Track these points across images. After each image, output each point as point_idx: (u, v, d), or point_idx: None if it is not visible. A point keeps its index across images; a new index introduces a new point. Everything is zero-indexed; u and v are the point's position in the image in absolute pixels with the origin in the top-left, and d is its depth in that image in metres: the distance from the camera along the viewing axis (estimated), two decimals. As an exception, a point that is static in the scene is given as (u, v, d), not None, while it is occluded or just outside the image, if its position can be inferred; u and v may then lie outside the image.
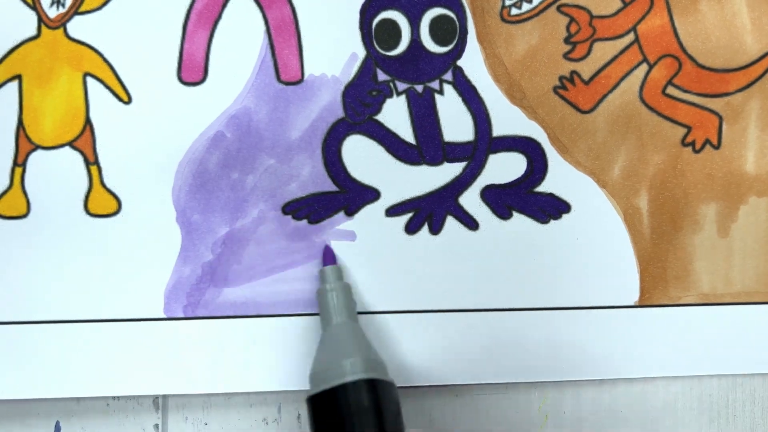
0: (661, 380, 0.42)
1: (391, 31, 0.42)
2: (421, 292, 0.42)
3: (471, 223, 0.42)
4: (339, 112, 0.42)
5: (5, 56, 0.42)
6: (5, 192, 0.42)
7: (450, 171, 0.42)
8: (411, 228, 0.42)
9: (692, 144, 0.42)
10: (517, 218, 0.42)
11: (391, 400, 0.36)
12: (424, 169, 0.42)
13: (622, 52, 0.42)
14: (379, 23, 0.42)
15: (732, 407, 0.42)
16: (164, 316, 0.41)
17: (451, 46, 0.42)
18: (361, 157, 0.42)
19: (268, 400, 0.42)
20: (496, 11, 0.42)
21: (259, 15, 0.42)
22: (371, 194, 0.42)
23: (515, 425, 0.42)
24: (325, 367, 0.36)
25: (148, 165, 0.42)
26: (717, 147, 0.42)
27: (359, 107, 0.42)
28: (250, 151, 0.42)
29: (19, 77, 0.42)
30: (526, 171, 0.42)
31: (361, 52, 0.42)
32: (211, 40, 0.42)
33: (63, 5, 0.42)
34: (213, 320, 0.41)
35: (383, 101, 0.42)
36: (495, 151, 0.42)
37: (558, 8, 0.42)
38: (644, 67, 0.42)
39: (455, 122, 0.42)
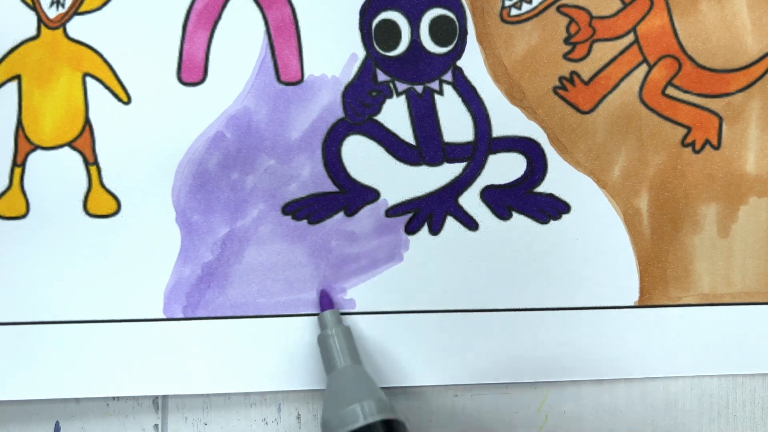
0: (661, 380, 0.42)
1: (391, 32, 0.42)
2: (421, 293, 0.42)
3: (471, 224, 0.42)
4: (339, 113, 0.42)
5: (5, 56, 0.42)
6: (4, 192, 0.42)
7: (450, 171, 0.42)
8: (411, 228, 0.42)
9: (692, 144, 0.42)
10: (517, 219, 0.42)
11: None
12: (423, 170, 0.42)
13: (621, 52, 0.42)
14: (378, 24, 0.42)
15: (732, 407, 0.42)
16: (164, 316, 0.41)
17: (450, 47, 0.42)
18: (361, 157, 0.42)
19: (268, 400, 0.42)
20: (496, 12, 0.42)
21: (259, 15, 0.42)
22: (371, 194, 0.42)
23: (515, 425, 0.42)
24: (339, 412, 0.36)
25: (148, 165, 0.42)
26: (717, 147, 0.42)
27: (359, 108, 0.42)
28: (249, 152, 0.42)
29: (18, 77, 0.42)
30: (525, 171, 0.42)
31: (361, 53, 0.42)
32: (211, 40, 0.42)
33: (63, 5, 0.42)
34: (213, 321, 0.41)
35: (383, 102, 0.42)
36: (495, 152, 0.42)
37: (558, 9, 0.42)
38: (644, 67, 0.42)
39: (455, 123, 0.42)
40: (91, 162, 0.42)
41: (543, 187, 0.42)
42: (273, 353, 0.41)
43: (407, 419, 0.42)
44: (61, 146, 0.42)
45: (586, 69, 0.42)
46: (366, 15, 0.42)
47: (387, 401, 0.37)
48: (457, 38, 0.42)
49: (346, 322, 0.41)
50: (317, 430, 0.42)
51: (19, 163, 0.42)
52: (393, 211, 0.42)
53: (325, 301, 0.41)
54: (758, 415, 0.42)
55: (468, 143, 0.42)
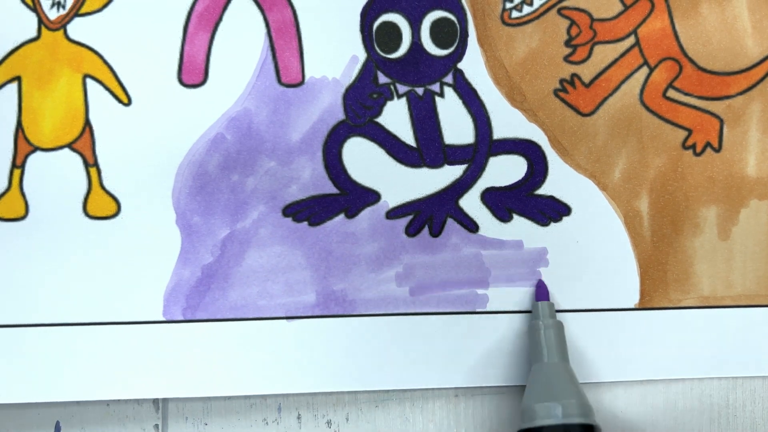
0: (662, 381, 0.42)
1: (391, 34, 0.42)
2: (423, 294, 0.42)
3: (471, 226, 0.42)
4: (339, 115, 0.42)
5: (5, 57, 0.42)
6: (4, 194, 0.41)
7: (450, 173, 0.42)
8: (411, 230, 0.42)
9: (693, 147, 0.42)
10: (518, 221, 0.42)
11: None
12: (424, 172, 0.42)
13: (622, 55, 0.42)
14: (379, 26, 0.42)
15: (732, 407, 0.42)
16: (164, 318, 0.41)
17: (451, 49, 0.42)
18: (362, 159, 0.42)
19: (268, 401, 0.42)
20: (497, 14, 0.42)
21: (260, 17, 0.42)
22: (371, 196, 0.42)
23: (515, 426, 0.42)
24: (541, 405, 0.37)
25: (148, 167, 0.42)
26: (718, 150, 0.42)
27: (360, 110, 0.42)
28: (250, 154, 0.42)
29: (18, 78, 0.42)
30: (526, 174, 0.42)
31: (362, 55, 0.42)
32: (211, 42, 0.42)
33: (63, 7, 0.42)
34: (213, 323, 0.41)
35: (384, 104, 0.42)
36: (495, 154, 0.42)
37: (558, 11, 0.42)
38: (645, 70, 0.42)
39: (456, 125, 0.42)
40: (91, 163, 0.42)
41: (543, 190, 0.42)
42: (273, 356, 0.41)
43: (407, 419, 0.42)
44: (60, 147, 0.42)
45: (586, 71, 0.42)
46: (367, 17, 0.42)
47: (588, 405, 0.38)
48: (457, 40, 0.42)
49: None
50: (317, 430, 0.42)
51: (18, 164, 0.42)
52: (393, 213, 0.42)
53: (542, 292, 0.41)
54: (758, 415, 0.42)
55: (468, 145, 0.42)
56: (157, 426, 0.42)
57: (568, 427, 0.37)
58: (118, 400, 0.42)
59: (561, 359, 0.39)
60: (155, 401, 0.42)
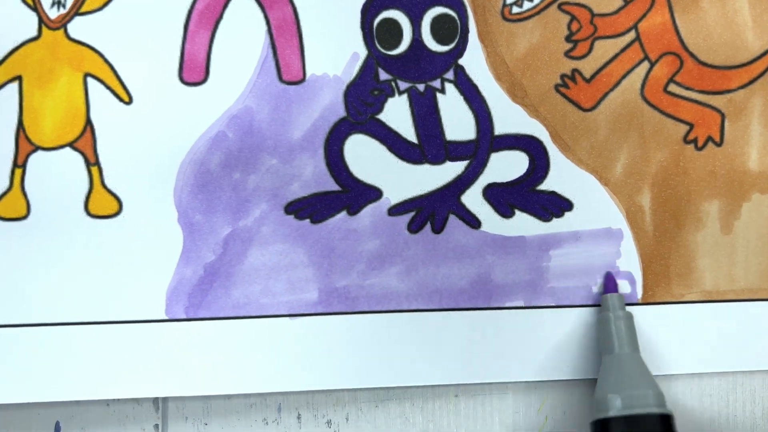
0: (661, 380, 0.42)
1: (392, 31, 0.42)
2: (424, 291, 0.42)
3: (473, 222, 0.42)
4: (341, 112, 0.42)
5: (5, 57, 0.42)
6: (5, 193, 0.41)
7: (452, 170, 0.42)
8: (413, 227, 0.42)
9: (694, 141, 0.42)
10: (520, 216, 0.42)
11: None
12: (426, 168, 0.42)
13: (623, 50, 0.42)
14: (380, 23, 0.42)
15: (732, 407, 0.42)
16: (166, 317, 0.41)
17: (452, 45, 0.42)
18: (363, 156, 0.42)
19: (268, 401, 0.42)
20: (497, 10, 0.42)
21: (261, 15, 0.42)
22: (373, 193, 0.42)
23: (515, 425, 0.42)
24: (615, 395, 0.38)
25: (150, 165, 0.42)
26: (719, 144, 0.42)
27: (361, 107, 0.42)
28: (251, 151, 0.42)
29: (19, 78, 0.42)
30: (528, 169, 0.42)
31: (363, 52, 0.42)
32: (212, 40, 0.42)
33: (64, 6, 0.42)
34: (215, 321, 0.41)
35: (385, 100, 0.42)
36: (497, 150, 0.42)
37: (559, 6, 0.42)
38: (645, 64, 0.42)
39: (457, 121, 0.42)
40: (92, 162, 0.42)
41: (545, 185, 0.42)
42: (275, 354, 0.41)
43: (407, 419, 0.42)
44: (62, 147, 0.42)
45: (587, 66, 0.42)
46: (367, 14, 0.42)
47: (662, 395, 0.38)
48: (458, 37, 0.42)
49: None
50: (317, 430, 0.42)
51: (19, 163, 0.41)
52: (395, 210, 0.42)
53: (611, 284, 0.41)
54: (758, 415, 0.42)
55: (470, 141, 0.42)
56: (157, 426, 0.42)
57: (644, 417, 0.37)
58: (118, 400, 0.42)
59: (632, 350, 0.39)
60: (155, 401, 0.42)
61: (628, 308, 0.41)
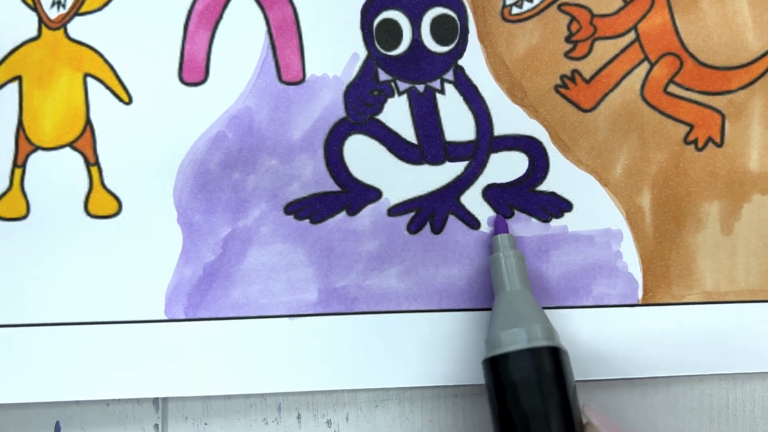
0: (662, 380, 0.42)
1: (392, 31, 0.42)
2: (423, 292, 0.42)
3: (473, 222, 0.42)
4: (340, 112, 0.42)
5: (5, 57, 0.42)
6: (5, 193, 0.41)
7: (451, 170, 0.42)
8: (413, 227, 0.42)
9: (695, 142, 0.42)
10: (519, 217, 0.42)
11: (570, 368, 0.37)
12: (425, 169, 0.42)
13: (623, 50, 0.42)
14: (380, 23, 0.42)
15: (732, 407, 0.42)
16: (165, 317, 0.41)
17: (452, 46, 0.42)
18: (363, 156, 0.42)
19: (268, 401, 0.42)
20: (497, 10, 0.42)
21: (261, 15, 0.42)
22: (373, 194, 0.42)
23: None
24: (505, 332, 0.37)
25: (149, 166, 0.42)
26: (720, 145, 0.42)
27: (361, 107, 0.42)
28: (251, 152, 0.42)
29: (19, 78, 0.42)
30: (527, 170, 0.42)
31: (363, 52, 0.42)
32: (212, 40, 0.42)
33: (64, 6, 0.42)
34: (215, 321, 0.41)
35: (384, 101, 0.42)
36: (496, 150, 0.42)
37: (559, 7, 0.42)
38: (645, 65, 0.42)
39: (457, 121, 0.42)
40: (92, 162, 0.42)
41: (545, 186, 0.42)
42: (274, 354, 0.41)
43: (407, 419, 0.42)
44: (61, 147, 0.42)
45: (587, 67, 0.42)
46: (367, 14, 0.42)
47: (553, 329, 0.38)
48: (458, 37, 0.42)
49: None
50: (317, 430, 0.42)
51: (19, 163, 0.42)
52: (395, 211, 0.42)
53: (501, 225, 0.41)
54: (758, 415, 0.42)
55: (470, 142, 0.42)
56: (157, 426, 0.42)
57: (534, 351, 0.36)
58: (118, 400, 0.42)
59: (523, 287, 0.39)
60: (155, 401, 0.42)
61: (628, 309, 0.41)
